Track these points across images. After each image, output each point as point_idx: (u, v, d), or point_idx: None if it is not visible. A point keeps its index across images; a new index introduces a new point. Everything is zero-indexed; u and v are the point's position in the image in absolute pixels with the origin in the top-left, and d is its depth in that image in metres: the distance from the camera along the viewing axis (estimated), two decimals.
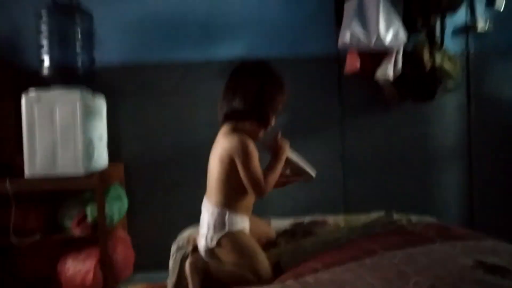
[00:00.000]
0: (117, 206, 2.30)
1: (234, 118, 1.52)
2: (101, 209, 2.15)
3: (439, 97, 2.65)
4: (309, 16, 2.71)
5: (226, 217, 1.47)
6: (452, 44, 2.71)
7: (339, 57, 2.68)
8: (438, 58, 2.56)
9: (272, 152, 1.56)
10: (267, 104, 1.49)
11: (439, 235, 1.32)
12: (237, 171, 1.45)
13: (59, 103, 2.14)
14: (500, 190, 2.79)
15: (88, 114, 2.22)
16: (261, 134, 1.56)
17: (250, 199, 1.55)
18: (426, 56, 2.53)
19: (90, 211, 2.17)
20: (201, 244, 1.52)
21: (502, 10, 2.73)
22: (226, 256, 1.46)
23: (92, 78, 2.40)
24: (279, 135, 1.58)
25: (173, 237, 1.79)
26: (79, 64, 2.29)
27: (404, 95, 2.64)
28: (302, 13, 2.70)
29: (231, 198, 1.49)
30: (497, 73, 2.80)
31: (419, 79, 2.56)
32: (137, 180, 2.62)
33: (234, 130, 1.50)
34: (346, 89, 2.72)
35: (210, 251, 1.49)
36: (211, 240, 1.47)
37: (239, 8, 2.69)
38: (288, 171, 1.65)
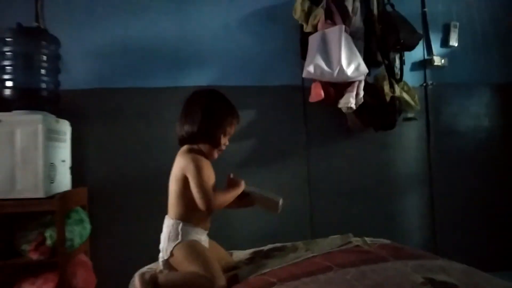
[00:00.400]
0: (79, 229, 2.25)
1: (187, 141, 1.63)
2: (60, 232, 2.10)
3: (399, 127, 2.78)
4: (276, 48, 2.81)
5: (180, 227, 1.54)
6: (411, 77, 2.88)
7: (304, 87, 2.77)
8: (397, 89, 2.69)
9: (228, 185, 1.68)
10: (213, 125, 1.60)
11: (392, 255, 1.36)
12: (189, 187, 1.53)
13: (20, 126, 2.12)
14: (461, 214, 2.90)
15: (51, 137, 2.20)
16: (215, 154, 1.67)
17: (205, 214, 1.60)
18: (386, 87, 2.67)
19: (50, 235, 2.12)
20: (160, 256, 1.59)
21: (455, 46, 2.92)
22: (180, 265, 1.51)
23: (56, 102, 2.39)
24: (231, 176, 1.70)
25: (137, 263, 1.76)
26: (43, 87, 2.28)
27: (366, 124, 2.74)
28: (270, 45, 2.80)
29: (186, 211, 1.56)
30: (454, 104, 2.96)
31: (380, 109, 2.69)
32: (101, 205, 2.58)
33: (189, 151, 1.61)
34: (311, 117, 2.80)
35: (166, 262, 1.55)
36: (166, 251, 1.54)
37: (209, 38, 2.76)
38: (256, 204, 1.74)
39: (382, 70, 2.73)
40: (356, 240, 1.72)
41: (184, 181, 1.55)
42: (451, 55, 2.94)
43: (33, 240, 2.12)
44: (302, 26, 2.70)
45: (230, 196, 1.64)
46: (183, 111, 1.65)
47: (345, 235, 1.85)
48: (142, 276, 1.48)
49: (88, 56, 2.64)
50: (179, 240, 1.52)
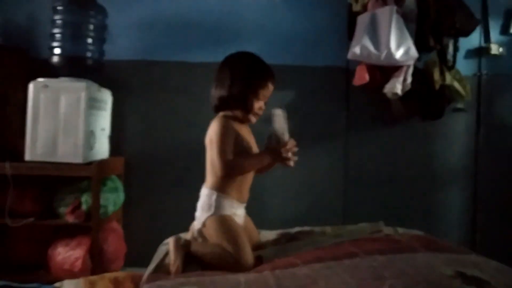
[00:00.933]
0: (113, 197, 2.31)
1: (220, 108, 1.58)
2: (95, 198, 2.17)
3: (447, 117, 2.62)
4: (322, 27, 2.72)
5: (214, 198, 1.50)
6: (464, 65, 2.69)
7: (349, 69, 2.67)
8: (448, 77, 2.54)
9: (268, 151, 1.55)
10: (244, 89, 1.52)
11: (424, 246, 1.28)
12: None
13: (65, 93, 2.19)
14: (504, 215, 2.72)
15: (93, 105, 2.26)
16: (252, 118, 1.58)
17: (240, 185, 1.55)
18: (436, 74, 2.52)
19: (85, 200, 2.19)
20: (194, 224, 1.57)
21: None
22: (211, 237, 1.49)
23: (100, 71, 2.44)
24: (289, 147, 1.54)
25: (167, 235, 1.77)
26: (89, 56, 2.33)
27: (412, 112, 2.61)
28: (315, 24, 2.72)
29: (219, 180, 1.51)
30: (509, 97, 2.75)
31: (428, 96, 2.55)
32: (136, 175, 2.63)
33: (220, 117, 1.56)
34: (353, 101, 2.70)
35: (199, 231, 1.53)
36: (199, 220, 1.53)
37: (252, 14, 2.71)
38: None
39: (433, 55, 2.56)
40: (387, 229, 1.65)
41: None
42: (510, 44, 2.72)
43: (70, 204, 2.20)
44: (351, 4, 2.59)
45: (254, 164, 1.55)
46: (215, 77, 1.59)
47: (376, 223, 1.77)
48: (178, 240, 1.48)
49: (133, 27, 2.67)
50: (212, 212, 1.49)
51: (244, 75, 1.53)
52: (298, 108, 2.68)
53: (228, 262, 1.39)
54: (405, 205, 2.69)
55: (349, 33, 2.60)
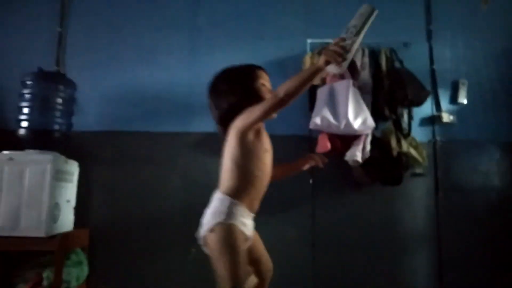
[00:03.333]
0: (76, 272, 2.25)
1: (230, 117, 1.56)
2: (58, 273, 2.10)
3: (407, 182, 2.74)
4: None
5: (228, 203, 1.47)
6: (419, 133, 2.85)
7: (312, 137, 2.79)
8: (404, 145, 2.68)
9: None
10: (244, 83, 1.57)
11: None
12: (247, 153, 1.51)
13: (30, 165, 2.19)
14: (469, 276, 2.76)
15: (59, 177, 2.26)
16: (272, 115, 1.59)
17: (256, 193, 1.55)
18: (393, 142, 2.66)
19: (47, 276, 2.12)
20: (201, 232, 1.52)
21: (464, 103, 2.92)
22: (213, 246, 1.44)
23: (67, 142, 2.46)
24: (336, 41, 1.40)
25: None
26: (56, 129, 2.36)
27: (372, 178, 2.71)
28: None
29: (238, 185, 1.50)
30: (463, 161, 2.91)
31: (386, 163, 2.67)
32: (102, 247, 2.58)
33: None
34: (317, 168, 2.78)
35: (204, 237, 1.49)
36: (206, 225, 1.48)
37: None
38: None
39: (389, 124, 2.72)
40: None
41: (241, 147, 1.50)
42: (460, 112, 2.93)
43: (30, 280, 2.12)
44: None
45: (304, 74, 1.44)
46: (212, 100, 1.63)
47: None
48: None
49: (103, 99, 2.75)
50: (224, 218, 1.45)
51: (236, 78, 1.59)
52: None
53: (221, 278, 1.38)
54: (372, 268, 2.72)
55: (310, 105, 2.74)
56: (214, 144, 2.74)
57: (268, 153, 1.60)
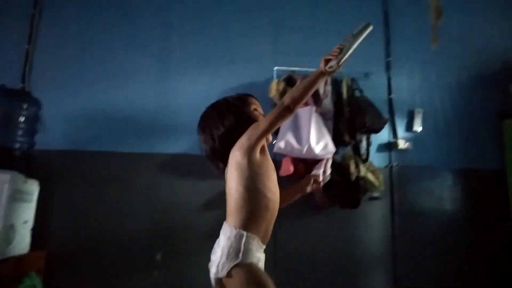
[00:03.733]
0: None
1: (226, 146, 1.47)
2: None
3: (364, 205, 2.85)
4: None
5: (243, 240, 1.34)
6: (377, 158, 3.00)
7: (276, 161, 2.83)
8: (363, 169, 2.80)
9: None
10: (237, 110, 1.50)
11: None
12: (257, 173, 1.40)
13: None
14: None
15: (16, 197, 2.20)
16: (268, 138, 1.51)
17: (269, 221, 1.44)
18: (352, 167, 2.78)
19: None
20: (212, 271, 1.36)
21: (419, 131, 3.09)
22: None
23: (29, 161, 2.41)
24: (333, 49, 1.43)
25: None
26: (17, 147, 2.32)
27: (333, 201, 2.81)
28: None
29: (250, 214, 1.38)
30: (417, 186, 3.06)
31: (345, 187, 2.77)
32: (60, 270, 2.50)
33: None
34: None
35: (218, 280, 1.34)
36: (222, 268, 1.32)
37: (188, 108, 2.85)
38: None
39: (349, 150, 2.86)
40: None
41: (251, 166, 1.39)
42: (415, 139, 3.09)
43: None
44: (275, 104, 2.84)
45: (308, 80, 1.40)
46: (204, 129, 1.54)
47: None
48: None
49: (69, 118, 2.72)
50: (240, 259, 1.30)
51: (228, 106, 1.51)
52: (225, 201, 2.76)
53: None
54: None
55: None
56: (180, 165, 2.81)
57: (275, 172, 1.52)
